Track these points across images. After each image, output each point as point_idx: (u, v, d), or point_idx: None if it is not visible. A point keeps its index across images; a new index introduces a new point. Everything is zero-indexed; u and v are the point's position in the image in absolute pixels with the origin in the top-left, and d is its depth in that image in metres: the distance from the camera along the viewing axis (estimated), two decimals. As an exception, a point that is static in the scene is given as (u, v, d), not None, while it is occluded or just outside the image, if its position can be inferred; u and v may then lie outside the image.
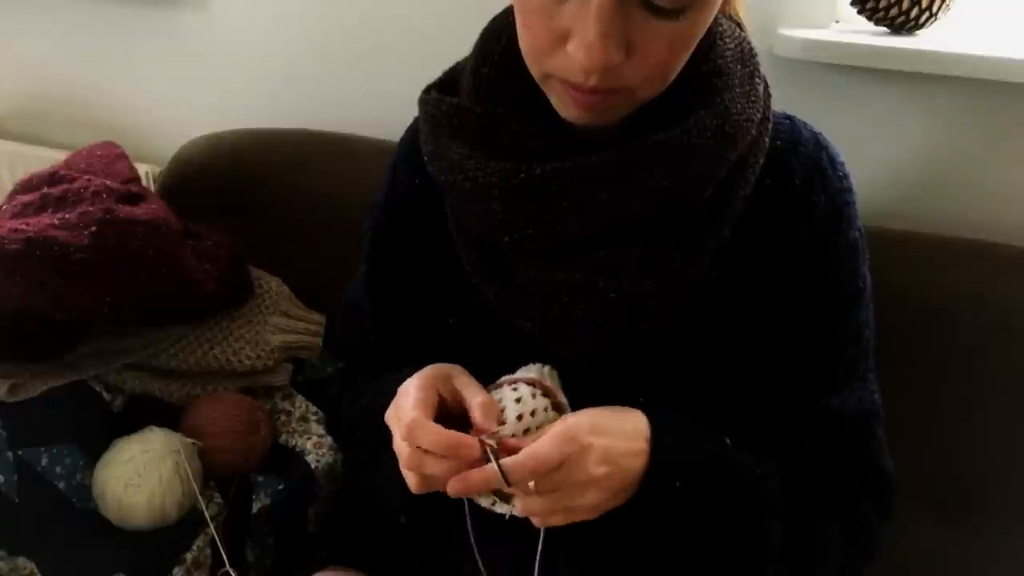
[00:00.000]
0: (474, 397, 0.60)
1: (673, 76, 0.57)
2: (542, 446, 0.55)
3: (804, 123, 0.69)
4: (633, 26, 0.52)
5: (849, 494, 0.68)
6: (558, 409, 0.61)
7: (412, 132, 0.75)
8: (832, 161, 0.67)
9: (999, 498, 0.96)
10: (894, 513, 0.71)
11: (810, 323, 0.66)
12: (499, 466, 0.54)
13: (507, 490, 0.57)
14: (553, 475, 0.55)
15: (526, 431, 0.58)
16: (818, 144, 0.67)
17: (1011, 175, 1.04)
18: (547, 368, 0.64)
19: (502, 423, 0.59)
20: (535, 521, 0.59)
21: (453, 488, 0.56)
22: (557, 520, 0.58)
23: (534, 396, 0.60)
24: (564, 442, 0.56)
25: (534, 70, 0.59)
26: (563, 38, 0.54)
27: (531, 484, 0.55)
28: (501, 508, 0.60)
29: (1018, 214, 1.05)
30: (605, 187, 0.59)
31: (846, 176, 0.68)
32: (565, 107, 0.59)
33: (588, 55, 0.52)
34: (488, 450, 0.56)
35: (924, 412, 0.95)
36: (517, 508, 0.58)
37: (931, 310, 0.95)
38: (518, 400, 0.59)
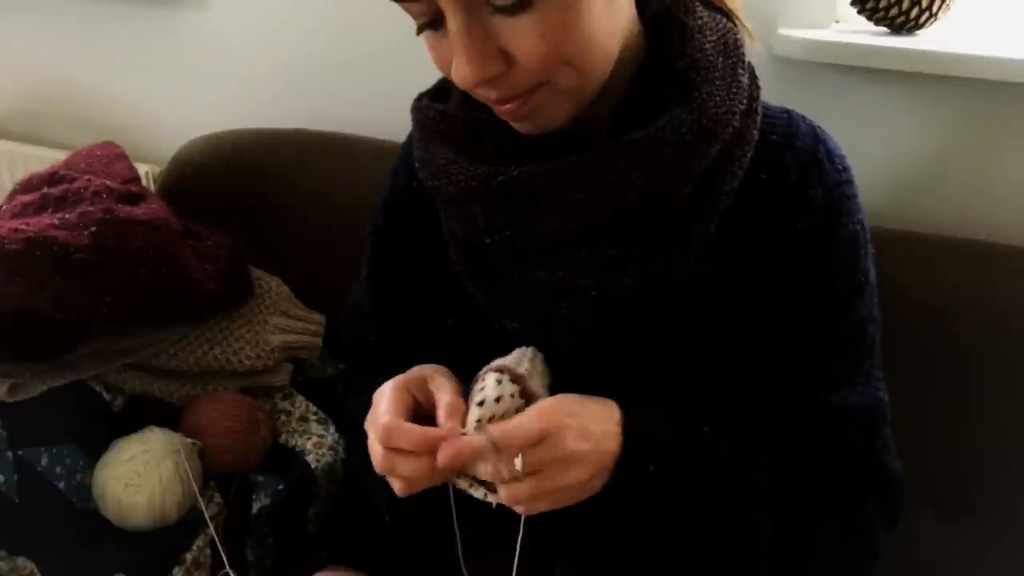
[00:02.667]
0: (442, 399, 0.60)
1: (588, 60, 0.57)
2: (522, 419, 0.56)
3: (802, 117, 0.69)
4: (499, 34, 0.54)
5: (850, 492, 0.67)
6: (525, 396, 0.61)
7: (411, 138, 0.76)
8: (830, 154, 0.66)
9: (999, 497, 0.96)
10: (903, 514, 0.70)
11: (809, 318, 0.66)
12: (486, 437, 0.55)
13: (490, 477, 0.57)
14: (536, 453, 0.56)
15: (491, 418, 0.59)
16: (815, 137, 0.67)
17: (1011, 175, 1.04)
18: (529, 351, 0.64)
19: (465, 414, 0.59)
20: (519, 510, 0.59)
21: (443, 455, 0.56)
22: (543, 505, 0.58)
23: (499, 383, 0.60)
24: (542, 418, 0.56)
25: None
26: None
27: (517, 464, 0.55)
28: (493, 498, 0.60)
29: (1018, 214, 1.05)
30: (580, 187, 0.59)
31: (845, 169, 0.67)
32: (509, 121, 0.61)
33: (458, 75, 0.55)
34: (473, 433, 0.57)
35: (924, 412, 0.95)
36: (502, 496, 0.58)
37: (931, 310, 0.95)
38: (481, 390, 0.60)
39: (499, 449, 0.55)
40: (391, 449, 0.58)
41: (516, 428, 0.56)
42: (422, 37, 0.59)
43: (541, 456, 0.56)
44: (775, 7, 1.05)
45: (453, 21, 0.53)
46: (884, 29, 1.06)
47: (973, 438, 0.96)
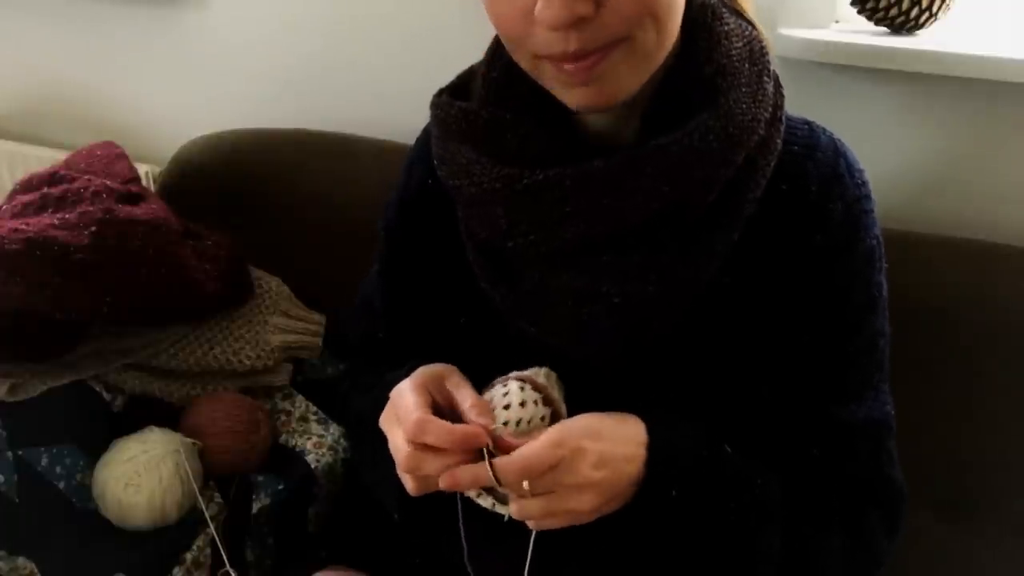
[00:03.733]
0: (467, 399, 0.60)
1: (669, 17, 0.56)
2: (532, 448, 0.55)
3: (823, 128, 0.69)
4: None
5: (855, 506, 0.67)
6: (548, 403, 0.61)
7: (427, 132, 0.75)
8: (850, 168, 0.66)
9: (999, 498, 0.96)
10: (904, 523, 0.70)
11: (822, 331, 0.66)
12: (491, 464, 0.55)
13: (501, 490, 0.57)
14: (548, 477, 0.55)
15: (518, 422, 0.59)
16: (836, 150, 0.67)
17: (1011, 175, 1.04)
18: (544, 370, 0.64)
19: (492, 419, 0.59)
20: (530, 524, 0.58)
21: (444, 482, 0.56)
22: (553, 523, 0.58)
23: (522, 389, 0.60)
24: (554, 446, 0.55)
25: (523, 62, 0.59)
26: (530, 14, 0.53)
27: (525, 485, 0.55)
28: (501, 509, 0.60)
29: (1018, 214, 1.05)
30: (606, 193, 0.59)
31: (864, 183, 0.67)
32: (566, 91, 0.58)
33: (549, 14, 0.52)
34: (483, 449, 0.56)
35: (924, 412, 0.94)
36: (512, 510, 0.58)
37: (931, 310, 0.95)
38: (505, 395, 0.60)
39: (503, 480, 0.55)
40: (419, 447, 0.58)
41: (523, 459, 0.55)
42: None
43: (552, 480, 0.56)
44: (775, 7, 1.05)
45: None
46: (884, 29, 1.06)
47: (973, 438, 0.96)
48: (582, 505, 0.57)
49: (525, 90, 0.62)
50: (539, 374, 0.63)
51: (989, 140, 1.03)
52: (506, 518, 0.59)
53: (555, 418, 0.61)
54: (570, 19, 0.52)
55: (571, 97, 0.58)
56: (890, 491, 0.69)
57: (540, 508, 0.57)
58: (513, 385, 0.61)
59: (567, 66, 0.56)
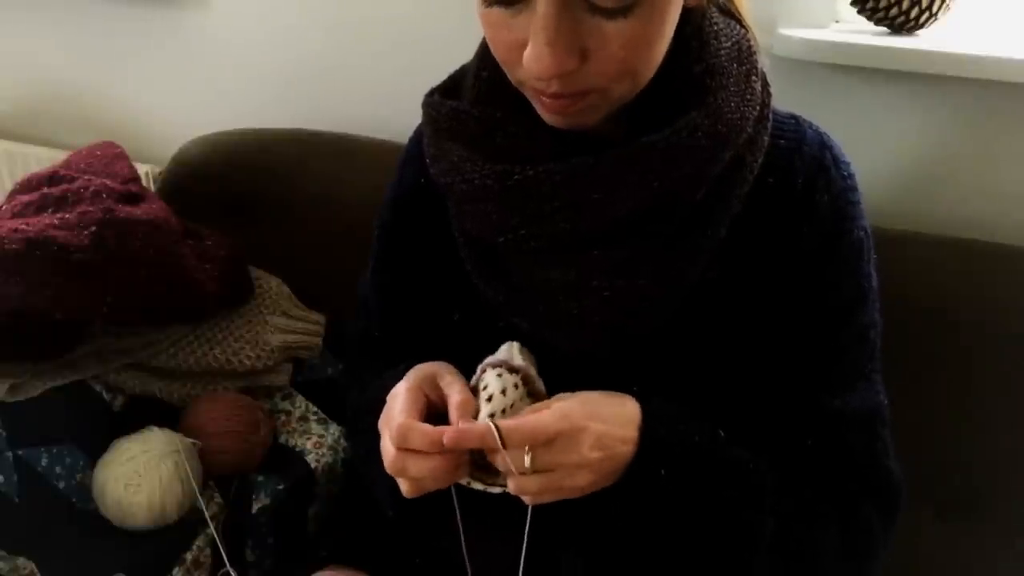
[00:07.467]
0: (452, 397, 0.61)
1: (646, 73, 0.58)
2: (541, 416, 0.57)
3: (809, 123, 0.69)
4: (584, 30, 0.53)
5: (850, 495, 0.68)
6: (527, 383, 0.62)
7: (419, 132, 0.76)
8: (836, 160, 0.67)
9: (999, 498, 0.96)
10: (900, 513, 0.70)
11: (813, 322, 0.66)
12: (496, 427, 0.56)
13: (501, 468, 0.58)
14: (548, 454, 0.56)
15: (503, 411, 0.60)
16: (822, 143, 0.68)
17: (1011, 175, 1.04)
18: (516, 345, 0.64)
19: (477, 411, 0.60)
20: (526, 499, 0.59)
21: (450, 439, 0.57)
22: (547, 499, 0.59)
23: (500, 376, 0.61)
24: (562, 417, 0.57)
25: (510, 77, 0.60)
26: (522, 47, 0.55)
27: (527, 462, 0.56)
28: (494, 489, 0.61)
29: (1018, 214, 1.05)
30: (596, 188, 0.60)
31: (851, 175, 0.68)
32: (542, 113, 0.60)
33: (538, 64, 0.54)
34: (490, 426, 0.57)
35: (923, 412, 0.95)
36: (509, 487, 0.59)
37: (930, 310, 0.95)
38: (485, 387, 0.61)
39: (509, 444, 0.56)
40: (403, 450, 0.58)
41: (531, 424, 0.56)
42: (482, 13, 0.57)
43: (552, 458, 0.57)
44: (775, 7, 1.05)
45: (547, 5, 0.52)
46: (884, 29, 1.06)
47: (973, 438, 0.96)
48: (577, 483, 0.58)
49: (515, 89, 0.62)
50: (512, 354, 0.63)
51: (989, 140, 1.03)
52: (502, 491, 0.60)
53: (537, 396, 0.62)
54: (556, 73, 0.54)
55: (545, 116, 0.61)
56: (885, 480, 0.70)
57: (538, 485, 0.58)
58: (489, 375, 0.61)
59: (543, 97, 0.58)
